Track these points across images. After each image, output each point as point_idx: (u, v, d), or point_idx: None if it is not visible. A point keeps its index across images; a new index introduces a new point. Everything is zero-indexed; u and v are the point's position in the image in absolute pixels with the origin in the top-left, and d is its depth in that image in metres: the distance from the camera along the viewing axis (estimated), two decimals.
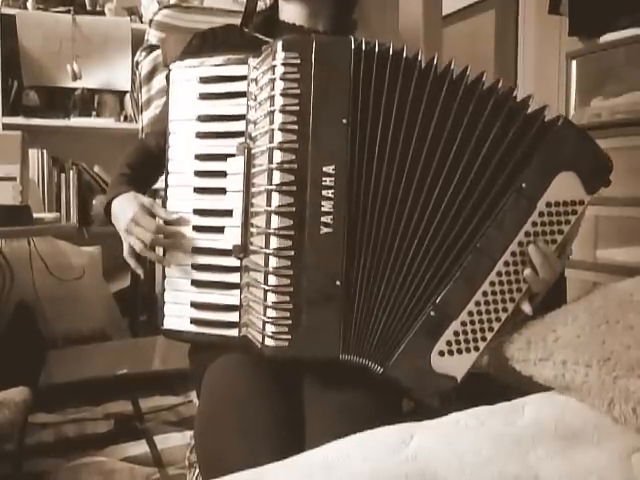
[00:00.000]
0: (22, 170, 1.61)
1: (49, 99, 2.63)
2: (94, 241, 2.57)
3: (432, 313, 0.86)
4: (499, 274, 0.86)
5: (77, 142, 2.68)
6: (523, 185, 0.85)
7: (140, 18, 2.73)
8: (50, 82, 2.61)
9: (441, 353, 0.86)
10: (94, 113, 2.69)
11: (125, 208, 0.98)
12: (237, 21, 1.17)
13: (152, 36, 1.71)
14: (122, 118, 2.73)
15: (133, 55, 2.12)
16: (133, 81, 2.03)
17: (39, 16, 2.54)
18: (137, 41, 2.30)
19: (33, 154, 2.43)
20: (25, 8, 2.54)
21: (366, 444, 0.68)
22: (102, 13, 2.68)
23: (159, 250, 0.98)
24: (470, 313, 0.86)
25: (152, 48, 1.68)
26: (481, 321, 0.86)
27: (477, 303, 0.86)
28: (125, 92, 2.71)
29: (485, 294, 0.86)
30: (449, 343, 0.86)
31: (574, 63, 1.97)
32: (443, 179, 0.85)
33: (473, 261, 0.86)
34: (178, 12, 1.75)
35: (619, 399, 0.73)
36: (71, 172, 2.60)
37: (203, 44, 1.12)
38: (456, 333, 0.86)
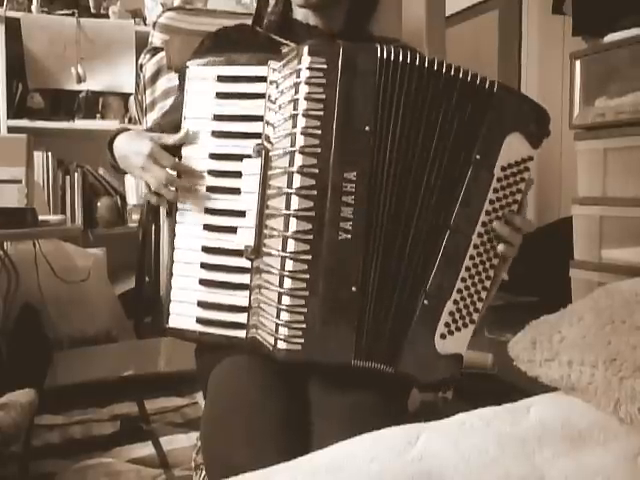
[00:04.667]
0: (27, 172, 1.61)
1: (54, 102, 2.64)
2: (99, 243, 2.58)
3: (425, 302, 0.88)
4: (476, 247, 0.89)
5: (82, 144, 2.69)
6: (477, 157, 0.88)
7: (144, 21, 2.73)
8: (55, 85, 2.61)
9: (442, 336, 0.89)
10: (98, 115, 2.70)
11: (136, 144, 0.97)
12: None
13: (156, 38, 1.71)
14: (126, 120, 2.74)
15: (137, 57, 2.12)
16: (137, 83, 2.04)
17: (43, 19, 2.55)
18: (141, 43, 2.30)
19: (38, 156, 2.44)
20: (30, 11, 2.54)
21: (372, 445, 0.68)
22: (106, 16, 2.69)
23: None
24: (459, 291, 0.89)
25: (156, 50, 1.68)
26: (470, 295, 0.90)
27: (463, 279, 0.89)
28: (129, 94, 2.72)
29: (468, 269, 0.89)
30: (447, 325, 0.89)
31: (578, 63, 1.97)
32: (434, 177, 0.87)
33: (451, 242, 0.88)
34: (182, 14, 1.75)
35: (625, 400, 0.73)
36: (76, 174, 2.61)
37: (215, 44, 1.11)
38: (451, 313, 0.89)
